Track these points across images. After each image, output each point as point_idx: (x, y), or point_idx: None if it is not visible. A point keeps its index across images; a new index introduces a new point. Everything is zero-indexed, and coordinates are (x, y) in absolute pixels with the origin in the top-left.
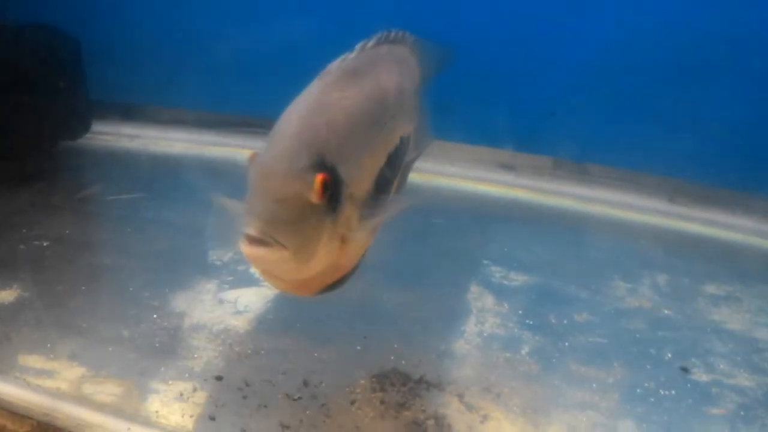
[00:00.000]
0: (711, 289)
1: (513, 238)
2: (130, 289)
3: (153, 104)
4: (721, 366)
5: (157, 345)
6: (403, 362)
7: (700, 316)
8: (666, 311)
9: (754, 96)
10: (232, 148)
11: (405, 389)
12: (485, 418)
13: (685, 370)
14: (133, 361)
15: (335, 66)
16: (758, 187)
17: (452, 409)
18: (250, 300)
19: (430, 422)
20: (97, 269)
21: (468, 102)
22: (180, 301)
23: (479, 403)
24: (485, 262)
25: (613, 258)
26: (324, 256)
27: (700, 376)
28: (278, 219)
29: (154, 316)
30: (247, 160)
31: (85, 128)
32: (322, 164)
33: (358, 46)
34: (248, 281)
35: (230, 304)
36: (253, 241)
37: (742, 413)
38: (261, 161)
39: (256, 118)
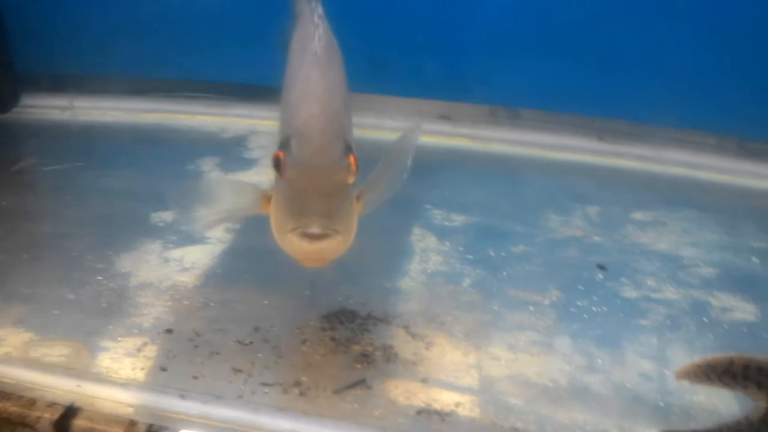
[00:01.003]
0: (639, 216)
1: (453, 183)
2: (73, 254)
3: (82, 74)
4: (649, 283)
5: (104, 305)
6: (351, 302)
7: (629, 240)
8: (597, 238)
9: (676, 33)
10: (165, 114)
11: (353, 326)
12: (430, 344)
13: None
14: (81, 323)
15: (319, 46)
16: (680, 121)
17: (399, 340)
18: (196, 257)
19: (378, 353)
20: (38, 237)
21: (402, 55)
22: (125, 263)
23: (424, 332)
24: (427, 206)
25: (546, 195)
26: (355, 225)
27: (630, 293)
28: (331, 209)
29: (99, 278)
30: (273, 162)
31: (14, 102)
32: (347, 146)
33: (317, 17)
34: (192, 240)
35: (176, 262)
36: (316, 237)
37: (668, 323)
38: (302, 161)
39: (188, 82)
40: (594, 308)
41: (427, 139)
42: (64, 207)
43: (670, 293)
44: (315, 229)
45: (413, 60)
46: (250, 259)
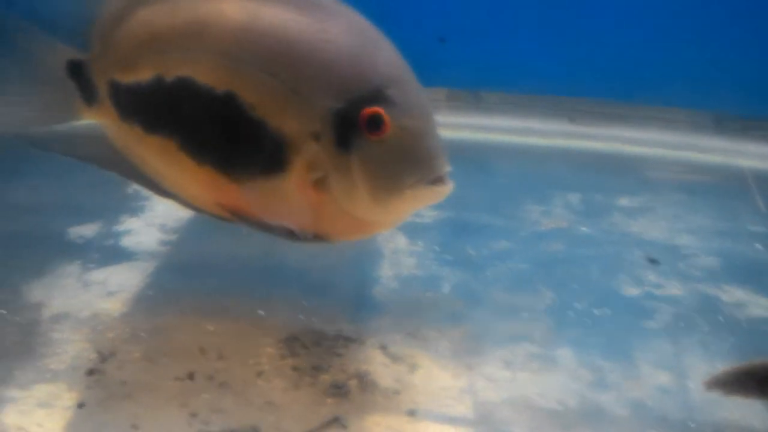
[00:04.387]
0: (624, 201)
1: None
2: None
3: None
4: (650, 277)
5: (8, 345)
6: (314, 320)
7: (618, 229)
8: (583, 228)
9: (647, 7)
10: None
11: (320, 350)
12: (414, 367)
13: (653, 261)
14: None
15: None
16: (657, 98)
17: (376, 363)
18: (124, 277)
19: (353, 382)
20: None
21: None
22: (35, 291)
23: (405, 352)
24: None
25: (521, 183)
26: None
27: (630, 290)
28: None
29: (3, 311)
30: (367, 123)
31: None
32: None
33: None
34: (119, 256)
35: (99, 285)
36: (446, 178)
37: (680, 324)
38: (412, 106)
39: None
40: (595, 311)
41: None
42: None
43: (675, 289)
44: (447, 168)
45: None
46: (189, 276)
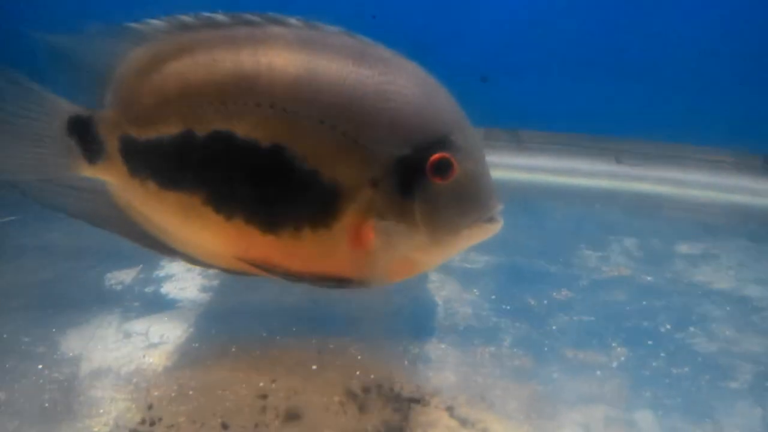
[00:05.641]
0: (684, 248)
1: None
2: (4, 335)
3: None
4: (726, 332)
5: (46, 405)
6: (372, 376)
7: (684, 278)
8: (647, 277)
9: (698, 45)
10: None
11: (381, 411)
12: None
13: None
14: (16, 431)
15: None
16: (704, 139)
17: (443, 428)
18: (166, 327)
19: None
20: None
21: None
22: (73, 343)
23: (474, 415)
24: None
25: (572, 227)
26: None
27: (706, 345)
28: None
29: (40, 366)
30: (435, 168)
31: None
32: None
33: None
34: (161, 304)
35: (140, 336)
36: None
37: (766, 384)
38: (473, 149)
39: None
40: (673, 369)
41: None
42: None
43: (753, 345)
44: (501, 207)
45: None
46: (235, 325)
